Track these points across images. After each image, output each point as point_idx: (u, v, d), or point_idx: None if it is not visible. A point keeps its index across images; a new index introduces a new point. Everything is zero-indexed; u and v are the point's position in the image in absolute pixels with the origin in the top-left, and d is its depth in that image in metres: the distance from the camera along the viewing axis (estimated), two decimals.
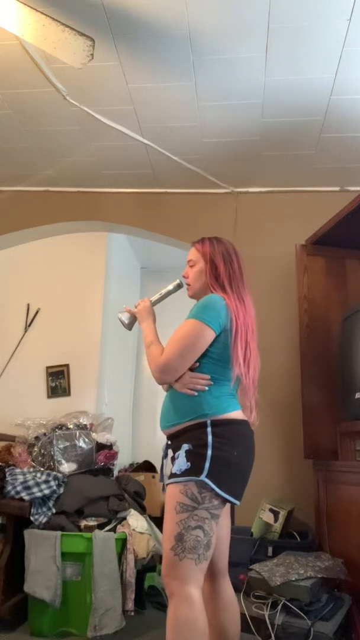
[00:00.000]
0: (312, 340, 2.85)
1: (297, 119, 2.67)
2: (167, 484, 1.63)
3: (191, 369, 1.69)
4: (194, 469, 1.57)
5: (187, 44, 2.19)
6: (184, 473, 1.58)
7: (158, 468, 3.91)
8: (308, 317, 2.89)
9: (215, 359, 1.69)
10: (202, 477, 1.55)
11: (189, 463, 1.58)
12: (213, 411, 1.65)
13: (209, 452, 1.58)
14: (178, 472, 1.59)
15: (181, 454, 1.61)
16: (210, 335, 1.67)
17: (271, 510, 2.67)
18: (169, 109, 2.64)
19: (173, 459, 1.67)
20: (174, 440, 1.70)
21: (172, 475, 1.61)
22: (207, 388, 1.67)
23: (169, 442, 1.75)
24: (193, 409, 1.66)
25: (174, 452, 1.67)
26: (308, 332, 2.86)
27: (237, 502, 1.63)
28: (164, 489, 1.70)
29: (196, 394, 1.66)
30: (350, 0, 1.95)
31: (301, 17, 2.03)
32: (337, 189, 3.31)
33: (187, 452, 1.61)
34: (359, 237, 2.82)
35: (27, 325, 4.00)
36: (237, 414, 1.69)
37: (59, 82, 2.47)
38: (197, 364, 1.69)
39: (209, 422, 1.63)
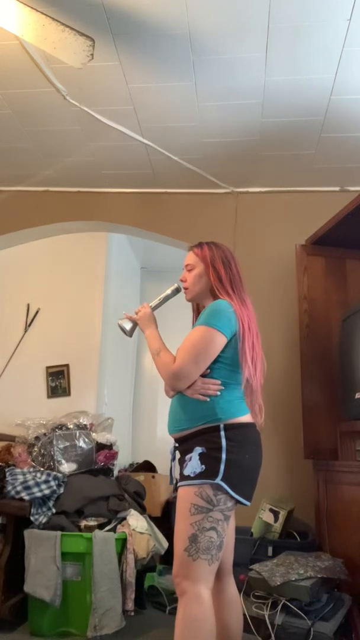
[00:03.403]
0: (312, 340, 2.85)
1: (297, 119, 2.67)
2: (180, 486, 1.63)
3: (202, 375, 1.69)
4: (208, 472, 1.58)
5: (187, 44, 2.19)
6: (198, 476, 1.58)
7: (160, 469, 3.92)
8: (308, 317, 2.89)
9: (226, 364, 1.70)
10: (218, 480, 1.57)
11: (203, 466, 1.59)
12: (226, 415, 1.65)
13: (224, 455, 1.59)
14: (192, 475, 1.60)
15: (194, 456, 1.62)
16: (222, 341, 1.67)
17: (271, 510, 2.67)
18: (169, 109, 2.64)
19: (182, 461, 1.67)
20: (184, 443, 1.70)
21: (185, 478, 1.62)
22: (219, 393, 1.67)
23: (177, 445, 1.75)
24: (205, 413, 1.66)
25: (183, 455, 1.68)
26: (308, 332, 2.86)
27: (249, 504, 1.65)
28: (175, 490, 1.71)
29: (208, 399, 1.67)
30: (350, 0, 1.95)
31: (301, 17, 2.03)
32: (337, 189, 3.31)
33: (200, 455, 1.61)
34: (359, 237, 2.82)
35: (27, 325, 4.00)
36: (247, 418, 1.70)
37: (59, 82, 2.47)
38: (208, 370, 1.69)
39: (222, 426, 1.63)
